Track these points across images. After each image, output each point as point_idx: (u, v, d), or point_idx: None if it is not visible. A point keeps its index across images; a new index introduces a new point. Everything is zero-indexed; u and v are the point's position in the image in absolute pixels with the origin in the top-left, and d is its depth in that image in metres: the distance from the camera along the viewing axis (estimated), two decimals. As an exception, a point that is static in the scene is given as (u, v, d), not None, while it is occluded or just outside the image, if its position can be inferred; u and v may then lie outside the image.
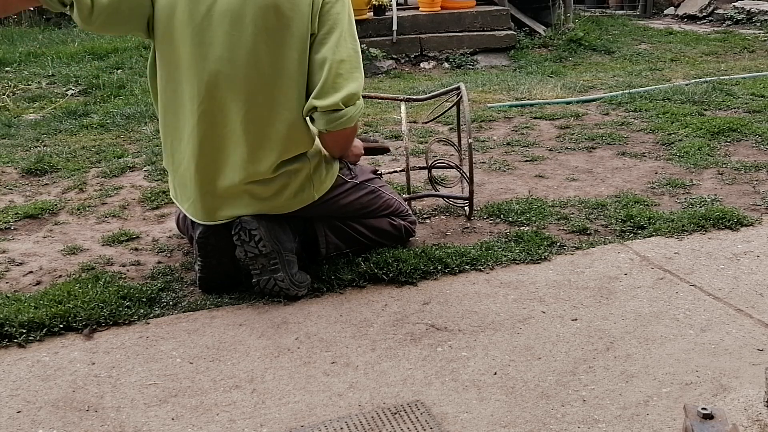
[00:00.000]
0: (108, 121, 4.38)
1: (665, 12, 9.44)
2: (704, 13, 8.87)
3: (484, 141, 3.83)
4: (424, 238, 2.65)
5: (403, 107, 2.86)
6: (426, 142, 3.74)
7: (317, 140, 2.31)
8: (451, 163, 2.93)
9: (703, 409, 1.29)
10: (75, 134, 4.19)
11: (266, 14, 2.08)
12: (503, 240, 2.60)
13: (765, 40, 7.36)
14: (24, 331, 2.05)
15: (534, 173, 3.34)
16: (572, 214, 2.83)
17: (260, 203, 2.23)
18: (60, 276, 2.45)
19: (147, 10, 2.14)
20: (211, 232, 2.25)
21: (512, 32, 7.23)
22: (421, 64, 6.91)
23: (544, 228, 2.70)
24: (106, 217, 2.96)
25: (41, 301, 2.18)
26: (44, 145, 3.95)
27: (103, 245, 2.69)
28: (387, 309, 2.19)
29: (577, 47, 7.22)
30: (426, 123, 3.88)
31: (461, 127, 3.10)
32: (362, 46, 7.46)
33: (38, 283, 2.41)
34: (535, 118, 4.28)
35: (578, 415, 1.68)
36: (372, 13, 6.96)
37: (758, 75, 5.22)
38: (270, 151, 2.17)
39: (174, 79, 2.19)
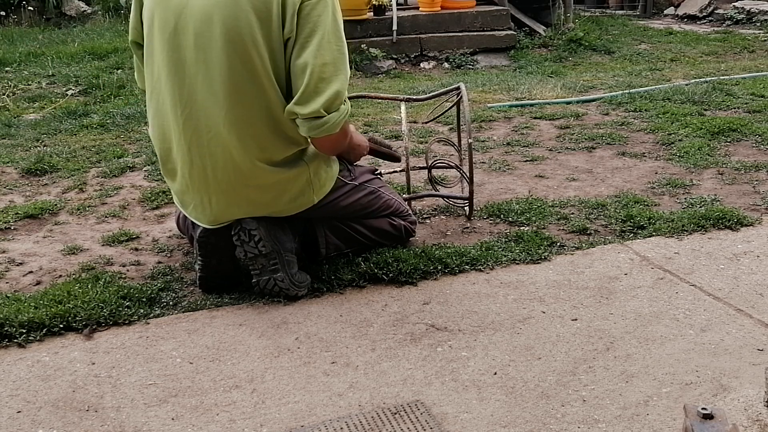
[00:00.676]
0: (108, 121, 4.38)
1: (665, 12, 9.44)
2: (704, 13, 8.87)
3: (484, 141, 3.83)
4: (424, 238, 2.65)
5: (403, 107, 2.86)
6: (426, 142, 3.74)
7: None
8: (451, 163, 2.93)
9: (703, 409, 1.29)
10: (75, 134, 4.19)
11: (234, 16, 2.05)
12: (503, 240, 2.60)
13: (765, 40, 7.36)
14: (24, 331, 2.05)
15: (534, 173, 3.34)
16: (572, 214, 2.83)
17: (260, 207, 2.22)
18: (60, 276, 2.45)
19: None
20: (212, 231, 2.25)
21: (512, 32, 7.23)
22: (421, 64, 6.91)
23: (544, 228, 2.70)
24: (106, 217, 2.96)
25: (41, 301, 2.18)
26: (44, 145, 3.95)
27: (103, 245, 2.69)
28: (387, 309, 2.19)
29: (577, 47, 7.22)
30: (426, 123, 3.88)
31: (461, 127, 3.10)
32: (362, 45, 7.45)
33: (38, 283, 2.41)
34: (535, 118, 4.28)
35: (578, 415, 1.68)
36: (372, 13, 6.96)
37: (758, 75, 5.22)
38: (259, 151, 2.15)
39: (157, 89, 2.19)
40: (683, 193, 3.03)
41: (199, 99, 2.11)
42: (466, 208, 2.83)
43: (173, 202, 2.92)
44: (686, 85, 4.87)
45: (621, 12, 9.75)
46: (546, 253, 2.49)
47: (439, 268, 2.38)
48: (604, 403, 1.72)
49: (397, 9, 6.97)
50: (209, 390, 1.83)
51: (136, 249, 2.65)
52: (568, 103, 4.61)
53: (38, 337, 2.05)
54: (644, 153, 3.57)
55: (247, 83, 2.08)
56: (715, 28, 8.33)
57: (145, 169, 3.50)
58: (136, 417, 1.73)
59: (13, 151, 3.87)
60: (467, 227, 2.75)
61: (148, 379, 1.88)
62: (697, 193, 3.01)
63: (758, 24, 8.26)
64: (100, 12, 8.66)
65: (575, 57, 7.03)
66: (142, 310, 2.18)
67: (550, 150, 3.67)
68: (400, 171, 2.93)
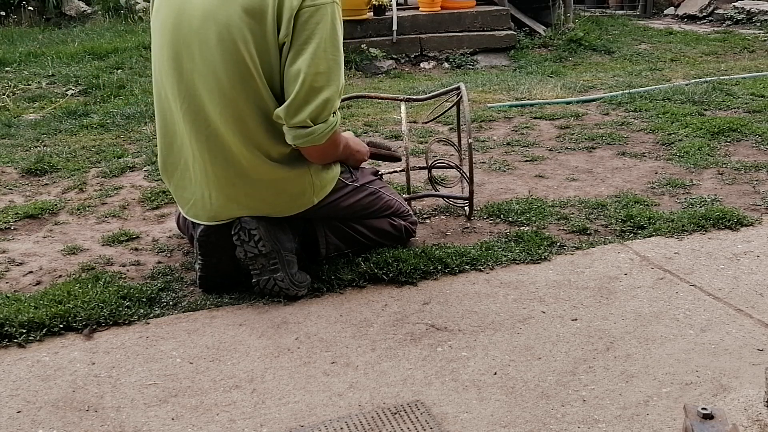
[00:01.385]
0: (108, 121, 4.38)
1: (665, 12, 9.44)
2: (704, 13, 8.87)
3: (484, 141, 3.83)
4: (424, 238, 2.65)
5: (403, 107, 2.86)
6: (426, 142, 3.74)
7: None
8: (451, 163, 2.93)
9: (703, 409, 1.29)
10: (75, 134, 4.19)
11: (227, 15, 2.06)
12: (503, 240, 2.60)
13: (765, 40, 7.36)
14: (24, 331, 2.05)
15: (534, 173, 3.34)
16: (572, 214, 2.83)
17: (259, 205, 2.22)
18: (60, 276, 2.45)
19: None
20: (212, 230, 2.25)
21: (512, 32, 7.23)
22: (421, 64, 6.91)
23: (544, 228, 2.70)
24: (106, 217, 2.96)
25: (41, 301, 2.18)
26: (44, 145, 3.95)
27: (103, 245, 2.69)
28: (387, 309, 2.19)
29: (577, 47, 7.22)
30: (426, 123, 3.88)
31: (461, 127, 3.10)
32: (362, 45, 7.45)
33: (38, 283, 2.41)
34: (535, 118, 4.28)
35: (578, 415, 1.68)
36: (372, 13, 6.96)
37: (758, 75, 5.22)
38: (257, 147, 2.15)
39: (160, 82, 2.22)
40: (683, 193, 3.03)
41: (196, 94, 2.13)
42: (466, 208, 2.83)
43: (173, 202, 2.92)
44: (686, 85, 4.87)
45: (621, 12, 9.76)
46: (546, 253, 2.49)
47: (439, 268, 2.38)
48: (604, 403, 1.72)
49: (397, 9, 6.98)
50: (209, 390, 1.83)
51: (136, 249, 2.65)
52: (568, 103, 4.61)
53: (38, 337, 2.05)
54: (644, 153, 3.57)
55: (240, 83, 2.09)
56: (715, 28, 8.33)
57: (145, 169, 3.50)
58: (136, 417, 1.73)
59: (13, 151, 3.87)
60: (467, 227, 2.75)
61: (148, 379, 1.88)
62: (697, 193, 3.01)
63: (758, 24, 8.26)
64: (100, 12, 8.66)
65: (575, 57, 7.04)
66: (142, 310, 2.18)
67: (550, 150, 3.67)
68: (400, 171, 2.93)
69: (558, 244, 2.56)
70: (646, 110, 4.28)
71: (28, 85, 5.52)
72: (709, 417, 1.29)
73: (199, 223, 2.28)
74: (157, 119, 2.29)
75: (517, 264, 2.44)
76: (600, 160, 3.49)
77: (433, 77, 6.33)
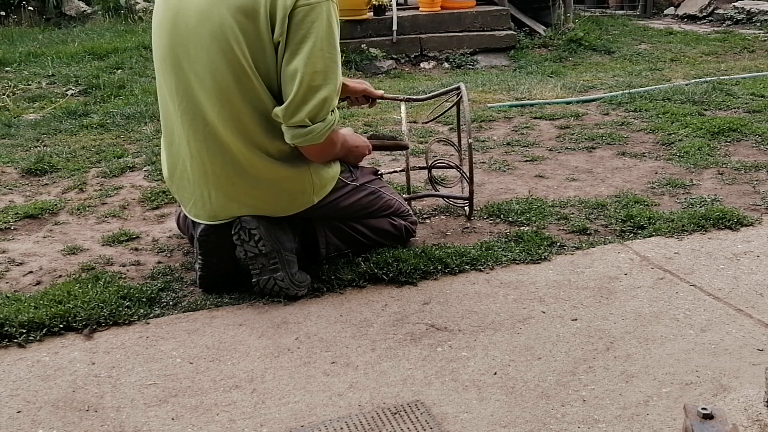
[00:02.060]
0: (108, 121, 4.38)
1: (665, 12, 9.44)
2: (704, 13, 8.87)
3: (484, 141, 3.83)
4: (424, 238, 2.65)
5: (403, 107, 2.86)
6: (426, 142, 3.74)
7: None
8: (451, 163, 2.92)
9: (703, 409, 1.29)
10: (75, 134, 4.19)
11: (220, 14, 2.06)
12: (503, 240, 2.60)
13: (765, 40, 7.36)
14: (24, 331, 2.05)
15: (534, 173, 3.34)
16: (572, 214, 2.83)
17: (259, 204, 2.22)
18: (60, 276, 2.45)
19: None
20: (212, 230, 2.25)
21: (512, 32, 7.23)
22: (421, 64, 6.91)
23: (544, 228, 2.70)
24: (106, 217, 2.96)
25: (41, 301, 2.18)
26: (44, 145, 3.95)
27: (103, 245, 2.69)
28: (387, 309, 2.19)
29: (577, 47, 7.22)
30: (426, 123, 3.88)
31: (461, 127, 3.10)
32: (362, 45, 7.46)
33: (38, 283, 2.41)
34: (535, 118, 4.28)
35: (578, 415, 1.68)
36: (372, 13, 6.96)
37: (758, 75, 5.22)
38: (255, 145, 2.16)
39: (160, 82, 2.23)
40: (683, 193, 3.03)
41: (193, 94, 2.13)
42: (466, 208, 2.83)
43: (173, 202, 2.92)
44: (686, 85, 4.87)
45: (621, 12, 9.76)
46: (546, 253, 2.49)
47: (439, 268, 2.38)
48: (604, 403, 1.72)
49: (397, 9, 6.98)
50: (209, 390, 1.83)
51: (136, 249, 2.65)
52: (568, 103, 4.60)
53: (38, 337, 2.05)
54: (644, 153, 3.57)
55: (235, 82, 2.09)
56: (715, 28, 8.33)
57: (145, 169, 3.50)
58: (136, 417, 1.73)
59: (13, 151, 3.87)
60: (467, 227, 2.75)
61: (148, 379, 1.88)
62: (697, 193, 3.01)
63: (758, 24, 8.26)
64: (100, 12, 8.66)
65: (575, 57, 7.04)
66: (142, 310, 2.18)
67: (550, 150, 3.67)
68: (400, 171, 2.93)
69: (558, 244, 2.56)
70: (646, 110, 4.28)
71: (28, 85, 5.51)
72: (709, 417, 1.29)
73: (199, 222, 2.28)
74: (161, 117, 2.32)
75: (517, 264, 2.44)
76: (600, 160, 3.50)
77: (433, 77, 6.33)
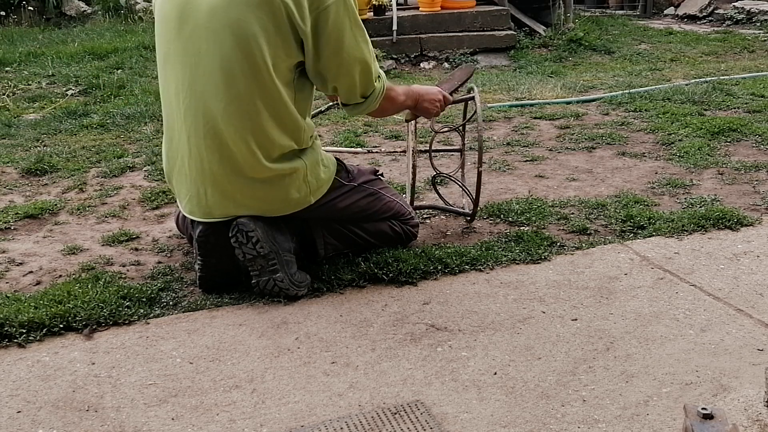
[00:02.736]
0: (108, 121, 4.38)
1: (665, 12, 9.44)
2: (704, 13, 8.87)
3: (484, 141, 3.83)
4: (424, 238, 2.65)
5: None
6: (426, 142, 3.73)
7: (315, 141, 2.31)
8: (453, 178, 2.87)
9: (703, 409, 1.29)
10: (75, 134, 4.19)
11: (239, 9, 2.06)
12: (503, 240, 2.60)
13: (765, 40, 7.36)
14: (24, 331, 2.05)
15: (534, 173, 3.34)
16: (572, 214, 2.83)
17: (255, 203, 2.22)
18: (60, 276, 2.45)
19: None
20: (211, 231, 2.25)
21: (512, 32, 7.23)
22: (421, 64, 6.91)
23: (544, 228, 2.70)
24: (106, 217, 2.96)
25: (41, 301, 2.18)
26: (44, 145, 3.95)
27: (103, 245, 2.69)
28: (387, 309, 2.19)
29: (577, 47, 7.22)
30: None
31: (467, 129, 3.03)
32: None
33: (38, 283, 2.41)
34: (535, 118, 4.28)
35: (578, 415, 1.68)
36: (372, 13, 6.96)
37: (758, 75, 5.22)
38: (256, 145, 2.15)
39: (164, 76, 2.24)
40: (683, 193, 3.03)
41: (198, 89, 2.13)
42: (469, 210, 2.80)
43: (173, 202, 2.92)
44: (686, 85, 4.87)
45: (621, 12, 9.75)
46: (546, 253, 2.49)
47: (439, 268, 2.38)
48: (604, 403, 1.72)
49: (397, 9, 6.97)
50: (209, 390, 1.83)
51: (136, 249, 2.65)
52: (568, 103, 4.61)
53: (38, 337, 2.05)
54: (644, 153, 3.57)
55: (247, 77, 2.09)
56: (715, 28, 8.33)
57: (145, 169, 3.50)
58: (136, 417, 1.73)
59: (13, 151, 3.87)
60: (467, 227, 2.75)
61: (148, 379, 1.88)
62: (697, 193, 3.02)
63: (758, 24, 8.25)
64: (100, 12, 8.66)
65: (575, 57, 7.03)
66: (142, 310, 2.18)
67: (550, 150, 3.67)
68: (403, 173, 2.89)
69: (558, 244, 2.56)
70: (646, 110, 4.28)
71: (28, 85, 5.51)
72: (709, 417, 1.29)
73: (195, 219, 2.28)
74: (163, 112, 2.32)
75: (517, 264, 2.44)
76: (600, 160, 3.50)
77: (433, 77, 6.33)
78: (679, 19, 9.09)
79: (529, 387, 1.80)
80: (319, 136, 2.93)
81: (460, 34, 7.10)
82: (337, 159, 2.42)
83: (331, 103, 3.10)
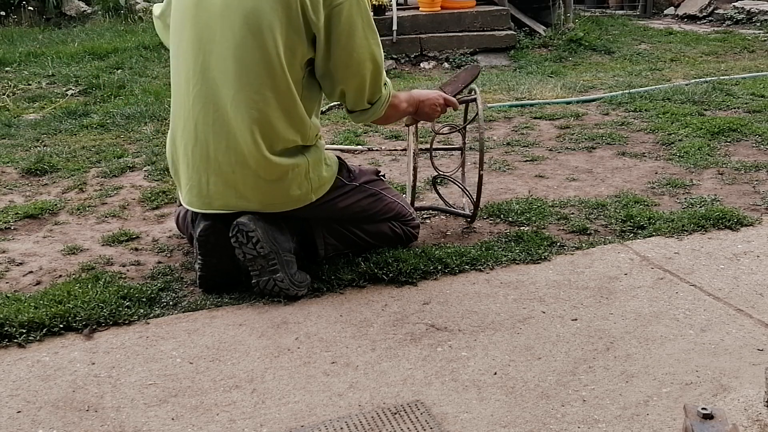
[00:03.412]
0: (108, 121, 4.38)
1: (665, 12, 9.43)
2: (704, 13, 8.87)
3: (484, 141, 3.82)
4: (424, 238, 2.65)
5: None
6: (427, 142, 3.73)
7: (319, 140, 2.31)
8: (453, 180, 2.87)
9: (703, 409, 1.29)
10: (75, 134, 4.19)
11: (258, 1, 2.08)
12: (503, 240, 2.60)
13: (765, 40, 7.36)
14: (24, 331, 2.05)
15: (534, 173, 3.34)
16: (572, 214, 2.83)
17: (255, 195, 2.22)
18: (60, 276, 2.45)
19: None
20: (212, 230, 2.25)
21: (512, 32, 7.23)
22: (421, 64, 6.91)
23: (544, 228, 2.70)
24: (106, 217, 2.96)
25: (41, 301, 2.18)
26: (44, 145, 3.95)
27: (103, 245, 2.69)
28: (387, 309, 2.19)
29: (577, 47, 7.22)
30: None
31: (467, 129, 3.02)
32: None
33: (38, 283, 2.41)
34: (535, 118, 4.28)
35: (578, 415, 1.68)
36: (372, 13, 6.94)
37: (758, 75, 5.22)
38: (262, 136, 2.16)
39: (176, 65, 2.25)
40: (683, 193, 3.03)
41: (210, 76, 2.15)
42: (470, 211, 2.80)
43: (173, 202, 2.92)
44: (686, 85, 4.87)
45: (621, 12, 9.75)
46: (546, 253, 2.49)
47: (439, 268, 2.38)
48: (604, 403, 1.72)
49: (397, 9, 6.97)
50: (209, 390, 1.83)
51: (136, 249, 2.65)
52: (568, 103, 4.60)
53: (38, 337, 2.05)
54: (644, 153, 3.57)
55: (258, 67, 2.11)
56: (715, 28, 8.33)
57: (145, 169, 3.50)
58: (136, 417, 1.73)
59: (13, 151, 3.87)
60: (467, 227, 2.75)
61: (148, 379, 1.88)
62: (697, 193, 3.02)
63: (758, 24, 8.25)
64: (100, 12, 8.66)
65: (575, 57, 7.03)
66: (142, 310, 2.18)
67: (550, 150, 3.67)
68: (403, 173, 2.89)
69: (558, 244, 2.56)
70: (646, 110, 4.28)
71: (28, 85, 5.52)
72: (709, 417, 1.29)
73: (199, 215, 2.28)
74: (172, 105, 2.33)
75: (517, 264, 2.44)
76: (600, 160, 3.50)
77: (433, 77, 6.33)
78: (679, 19, 9.09)
79: (529, 387, 1.80)
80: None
81: (460, 34, 7.09)
82: (339, 158, 2.43)
83: (332, 104, 3.09)
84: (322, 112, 3.31)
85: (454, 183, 2.91)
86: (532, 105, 4.56)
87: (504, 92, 4.95)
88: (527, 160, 3.52)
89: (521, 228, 2.70)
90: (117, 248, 2.66)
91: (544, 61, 6.89)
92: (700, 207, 2.84)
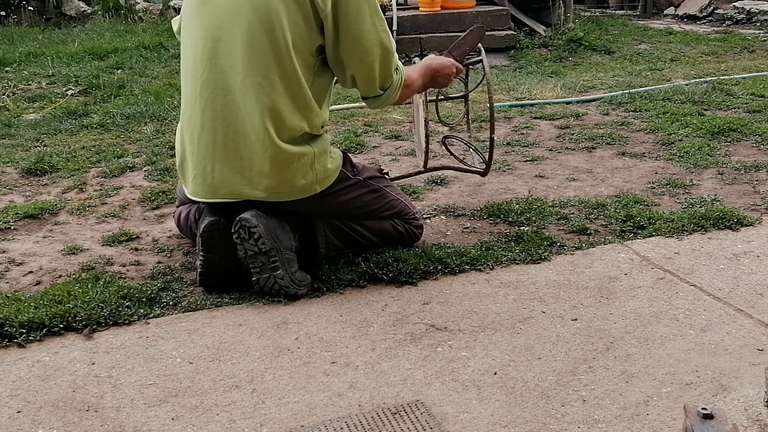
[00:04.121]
0: (108, 121, 4.38)
1: (665, 12, 9.43)
2: (704, 13, 8.87)
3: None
4: (424, 238, 2.65)
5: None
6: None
7: (325, 132, 2.32)
8: (462, 140, 2.89)
9: (703, 409, 1.29)
10: (75, 134, 4.19)
11: None
12: (503, 240, 2.60)
13: (765, 40, 7.36)
14: (24, 331, 2.05)
15: (534, 173, 3.34)
16: (572, 214, 2.83)
17: (263, 182, 2.22)
18: (60, 276, 2.45)
19: None
20: (216, 227, 2.25)
21: (512, 32, 7.23)
22: (421, 64, 6.90)
23: (544, 228, 2.70)
24: (106, 217, 2.96)
25: (41, 301, 2.18)
26: (44, 145, 3.95)
27: (103, 245, 2.69)
28: (387, 309, 2.19)
29: (577, 47, 7.21)
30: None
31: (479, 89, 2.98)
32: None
33: (38, 283, 2.41)
34: (535, 118, 4.28)
35: (578, 415, 1.68)
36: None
37: (758, 75, 5.21)
38: (270, 121, 2.17)
39: (185, 55, 2.28)
40: (683, 193, 3.03)
41: (219, 63, 2.16)
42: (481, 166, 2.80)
43: (173, 202, 2.92)
44: (686, 85, 4.86)
45: (621, 12, 9.75)
46: (546, 253, 2.49)
47: (439, 268, 2.38)
48: (604, 403, 1.72)
49: (397, 9, 6.97)
50: (209, 390, 1.83)
51: (136, 249, 2.65)
52: (568, 103, 4.60)
53: (38, 337, 2.05)
54: (644, 153, 3.57)
55: (266, 52, 2.14)
56: (715, 28, 8.32)
57: (145, 169, 3.50)
58: (136, 417, 1.73)
59: (13, 151, 3.87)
60: (467, 227, 2.75)
61: (148, 379, 1.88)
62: (697, 193, 3.01)
63: (758, 24, 8.25)
64: (100, 12, 8.66)
65: (575, 57, 7.03)
66: (142, 310, 2.18)
67: (550, 150, 3.68)
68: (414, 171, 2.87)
69: (558, 244, 2.56)
70: (646, 110, 4.28)
71: (28, 85, 5.52)
72: (709, 417, 1.29)
73: (198, 200, 2.29)
74: (182, 94, 2.34)
75: (517, 264, 2.44)
76: (600, 160, 3.50)
77: (433, 77, 6.33)
78: (679, 19, 9.08)
79: (529, 387, 1.80)
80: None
81: (460, 34, 7.09)
82: (343, 153, 2.44)
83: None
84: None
85: (463, 142, 2.90)
86: (532, 105, 4.56)
87: (504, 92, 4.96)
88: (527, 160, 3.52)
89: (521, 228, 2.70)
90: (117, 248, 2.66)
91: (544, 61, 6.89)
92: (700, 207, 2.84)
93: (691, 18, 8.95)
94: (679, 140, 3.69)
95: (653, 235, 2.61)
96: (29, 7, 8.60)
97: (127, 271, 2.48)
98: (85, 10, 8.88)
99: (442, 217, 2.87)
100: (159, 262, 2.54)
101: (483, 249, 2.50)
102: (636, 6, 9.66)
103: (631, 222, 2.72)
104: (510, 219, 2.78)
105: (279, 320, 2.14)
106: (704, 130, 3.79)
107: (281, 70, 2.15)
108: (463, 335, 2.03)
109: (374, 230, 2.46)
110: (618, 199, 2.96)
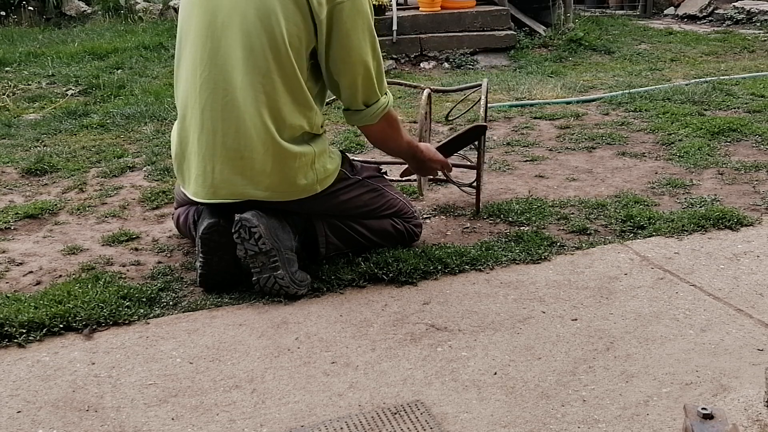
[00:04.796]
0: (108, 121, 4.38)
1: (665, 12, 9.43)
2: (704, 13, 8.87)
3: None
4: (424, 238, 2.65)
5: (425, 93, 2.80)
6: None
7: (324, 132, 2.32)
8: (462, 155, 2.92)
9: (703, 409, 1.29)
10: (75, 134, 4.19)
11: None
12: (503, 240, 2.60)
13: (765, 40, 7.36)
14: (24, 331, 2.05)
15: (534, 173, 3.34)
16: (572, 214, 2.83)
17: (263, 181, 2.22)
18: (60, 276, 2.45)
19: None
20: (215, 228, 2.25)
21: (512, 32, 7.23)
22: (421, 64, 6.90)
23: (544, 228, 2.70)
24: (106, 217, 2.96)
25: (41, 301, 2.18)
26: (44, 145, 3.95)
27: (103, 245, 2.69)
28: (387, 309, 2.19)
29: (577, 47, 7.21)
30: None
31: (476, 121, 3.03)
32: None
33: (38, 283, 2.41)
34: (535, 118, 4.28)
35: (578, 415, 1.68)
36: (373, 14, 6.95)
37: (758, 75, 5.21)
38: (271, 120, 2.17)
39: (179, 56, 2.27)
40: (683, 193, 3.03)
41: (219, 62, 2.16)
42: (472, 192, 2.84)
43: (173, 202, 2.92)
44: (686, 85, 4.87)
45: (621, 12, 9.75)
46: (546, 253, 2.49)
47: (439, 268, 2.38)
48: (604, 403, 1.72)
49: (397, 9, 6.97)
50: (209, 390, 1.83)
51: (136, 249, 2.65)
52: (568, 103, 4.60)
53: (38, 337, 2.05)
54: (644, 153, 3.57)
55: (266, 50, 2.13)
56: (715, 28, 8.32)
57: (145, 169, 3.50)
58: (136, 417, 1.73)
59: (13, 151, 3.87)
60: (467, 227, 2.75)
61: (148, 379, 1.88)
62: (697, 193, 3.01)
63: (758, 24, 8.25)
64: (100, 12, 8.66)
65: (575, 57, 7.03)
66: (142, 310, 2.18)
67: (550, 150, 3.68)
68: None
69: (558, 244, 2.56)
70: (646, 110, 4.28)
71: (28, 85, 5.51)
72: (709, 417, 1.29)
73: (199, 201, 2.28)
74: (176, 91, 2.33)
75: (517, 264, 2.44)
76: (600, 160, 3.50)
77: (433, 77, 6.33)
78: (679, 19, 9.08)
79: (529, 387, 1.80)
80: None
81: (460, 34, 7.09)
82: (342, 153, 2.44)
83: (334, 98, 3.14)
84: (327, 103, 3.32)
85: (452, 183, 2.93)
86: (532, 105, 4.56)
87: (504, 92, 4.96)
88: (527, 160, 3.52)
89: (521, 228, 2.70)
90: (117, 248, 2.66)
91: (544, 61, 6.89)
92: (700, 207, 2.84)
93: (691, 18, 8.95)
94: (679, 140, 3.69)
95: (653, 235, 2.61)
96: (29, 7, 8.60)
97: (127, 271, 2.48)
98: (85, 10, 8.88)
99: (442, 217, 2.87)
100: (159, 262, 2.54)
101: (483, 249, 2.50)
102: (636, 6, 9.66)
103: (631, 222, 2.72)
104: (510, 219, 2.78)
105: (279, 320, 2.14)
106: (704, 130, 3.79)
107: (281, 68, 2.15)
108: (463, 335, 2.03)
109: (374, 229, 2.46)
110: (618, 199, 2.96)
